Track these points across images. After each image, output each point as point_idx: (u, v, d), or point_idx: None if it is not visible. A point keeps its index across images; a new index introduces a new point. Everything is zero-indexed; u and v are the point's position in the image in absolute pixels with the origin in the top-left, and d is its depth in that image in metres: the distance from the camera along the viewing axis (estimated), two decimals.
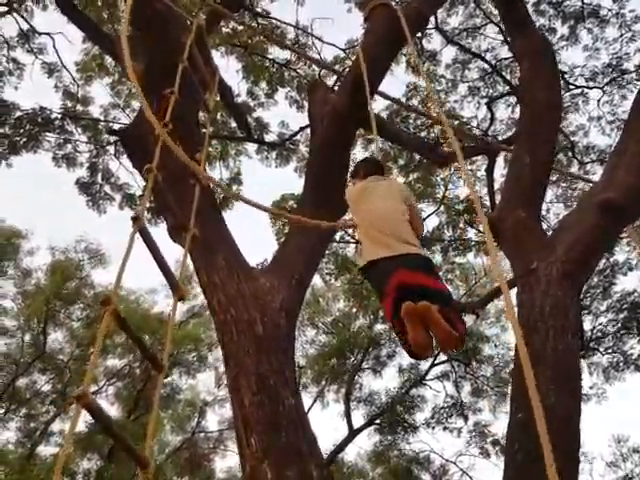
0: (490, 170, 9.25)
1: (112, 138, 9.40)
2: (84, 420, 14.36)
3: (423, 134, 9.70)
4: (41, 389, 14.42)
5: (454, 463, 11.88)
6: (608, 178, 4.53)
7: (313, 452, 3.86)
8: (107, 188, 9.56)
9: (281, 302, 4.52)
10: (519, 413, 3.81)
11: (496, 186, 10.40)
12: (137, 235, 2.55)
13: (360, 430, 12.23)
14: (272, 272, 4.81)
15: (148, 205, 9.45)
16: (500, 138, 10.62)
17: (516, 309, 4.43)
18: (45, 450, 14.27)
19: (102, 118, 9.45)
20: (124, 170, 9.58)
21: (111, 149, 9.38)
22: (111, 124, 9.32)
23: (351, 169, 3.93)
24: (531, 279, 4.24)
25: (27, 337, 14.02)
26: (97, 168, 9.48)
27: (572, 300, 4.14)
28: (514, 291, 4.75)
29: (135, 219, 2.80)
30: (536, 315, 4.03)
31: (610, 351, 12.27)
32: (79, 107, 9.92)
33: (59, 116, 9.11)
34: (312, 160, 5.60)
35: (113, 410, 14.63)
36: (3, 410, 14.15)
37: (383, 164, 3.79)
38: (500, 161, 10.58)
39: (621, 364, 12.13)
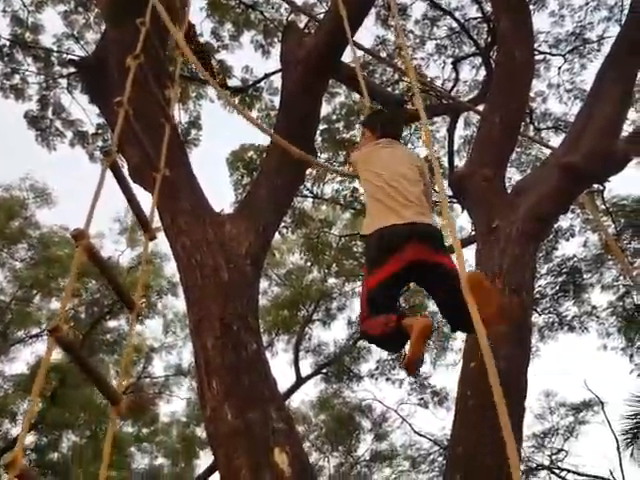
0: (451, 130, 9.33)
1: (65, 71, 8.93)
2: (26, 362, 14.13)
3: (389, 89, 9.63)
4: None
5: (395, 411, 12.36)
6: (572, 142, 4.66)
7: (273, 395, 3.93)
8: (58, 124, 9.13)
9: (247, 249, 4.49)
10: (471, 362, 3.98)
11: (455, 147, 10.59)
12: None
13: (307, 378, 12.50)
14: (238, 218, 4.75)
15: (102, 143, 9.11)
16: (463, 99, 10.68)
17: (474, 265, 4.56)
18: None
19: (55, 48, 8.92)
20: (77, 106, 9.15)
21: (64, 82, 8.91)
22: (65, 55, 8.82)
23: (367, 116, 3.65)
24: (491, 237, 4.36)
25: None
26: (48, 102, 9.02)
27: (529, 259, 4.30)
28: (474, 247, 4.89)
29: (106, 153, 2.69)
30: (494, 272, 4.16)
31: (547, 312, 12.85)
32: (29, 35, 9.33)
33: (7, 43, 8.56)
34: (284, 107, 5.49)
35: (55, 353, 14.40)
36: None
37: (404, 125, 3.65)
38: (461, 122, 10.71)
39: (556, 324, 12.74)
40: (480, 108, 7.73)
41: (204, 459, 14.68)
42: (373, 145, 3.20)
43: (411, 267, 2.71)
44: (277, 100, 9.87)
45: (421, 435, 11.68)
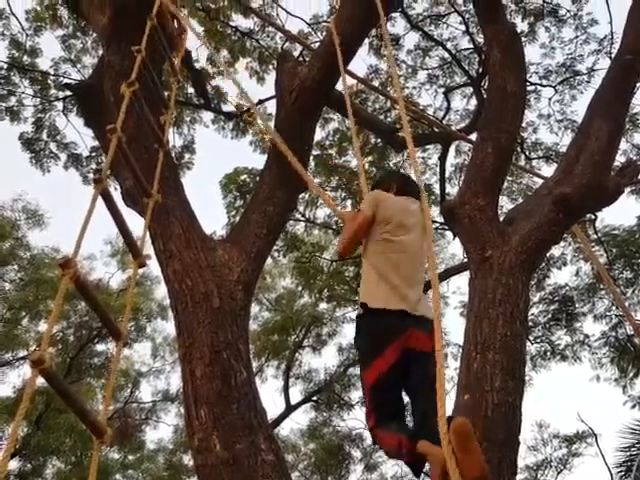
0: (443, 158, 9.41)
1: (61, 94, 8.97)
2: (12, 386, 13.89)
3: (381, 117, 9.74)
4: None
5: None
6: (564, 172, 4.68)
7: (262, 424, 3.87)
8: (52, 146, 9.14)
9: (239, 275, 4.46)
10: (465, 395, 3.93)
11: (447, 174, 10.65)
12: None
13: (297, 406, 12.33)
14: (230, 243, 4.73)
15: (95, 166, 9.10)
16: (454, 128, 10.79)
17: (468, 295, 4.54)
18: None
19: (52, 72, 8.98)
20: (71, 129, 9.18)
21: (59, 105, 8.94)
22: (61, 79, 8.87)
23: (380, 178, 3.48)
24: (485, 266, 4.35)
25: None
26: (43, 124, 9.04)
27: (523, 289, 4.29)
28: (466, 276, 4.88)
29: (97, 181, 2.67)
30: (488, 302, 4.14)
31: (539, 340, 12.80)
32: (26, 58, 9.39)
33: (5, 66, 8.61)
34: (277, 132, 5.51)
35: (41, 377, 14.14)
36: None
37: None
38: (452, 151, 10.80)
39: (548, 353, 12.69)
40: (472, 137, 7.83)
41: None
42: (402, 200, 2.92)
43: (408, 355, 2.49)
44: (271, 125, 9.94)
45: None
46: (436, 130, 9.64)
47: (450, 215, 4.70)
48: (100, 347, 14.08)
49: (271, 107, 10.32)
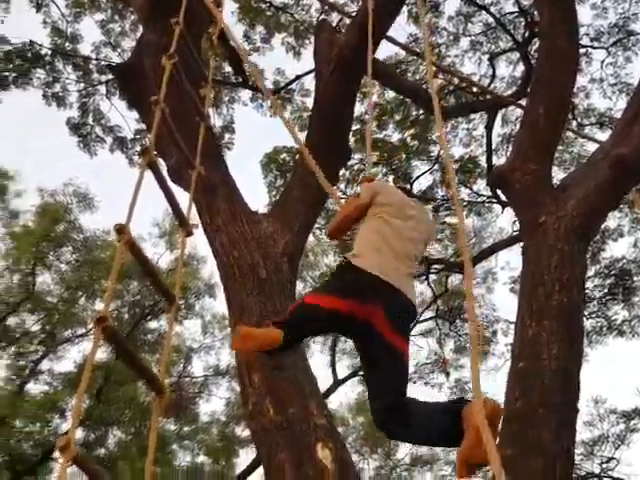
0: (489, 127, 9.17)
1: (103, 78, 9.15)
2: (73, 361, 14.49)
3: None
4: (30, 329, 14.44)
5: None
6: (621, 134, 4.49)
7: (313, 390, 3.92)
8: (98, 130, 9.35)
9: (283, 247, 4.50)
10: (519, 363, 3.88)
11: (493, 145, 10.37)
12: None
13: (344, 380, 12.40)
14: (274, 217, 4.77)
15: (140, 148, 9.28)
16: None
17: (521, 263, 4.43)
18: (34, 388, 14.43)
19: (93, 56, 9.15)
20: (115, 112, 9.37)
21: (102, 89, 9.12)
22: (102, 62, 9.03)
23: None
24: (538, 233, 4.24)
25: (16, 278, 13.94)
26: (88, 108, 9.24)
27: (579, 256, 4.17)
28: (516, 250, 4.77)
29: (144, 151, 2.71)
30: (542, 269, 4.05)
31: (594, 316, 12.42)
32: (68, 45, 9.59)
33: (49, 52, 8.82)
34: (317, 107, 5.48)
35: (100, 352, 14.71)
36: None
37: None
38: (498, 120, 10.50)
39: (604, 329, 12.31)
40: (521, 103, 7.58)
41: (244, 458, 14.81)
42: (404, 196, 2.93)
43: (356, 322, 2.39)
44: (309, 101, 9.89)
45: None
46: (481, 98, 9.39)
47: (501, 181, 4.59)
48: (153, 324, 14.50)
49: (309, 83, 10.28)
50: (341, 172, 6.60)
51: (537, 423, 3.56)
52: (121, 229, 2.21)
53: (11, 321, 14.22)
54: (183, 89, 4.34)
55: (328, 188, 3.50)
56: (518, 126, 10.56)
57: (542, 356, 3.73)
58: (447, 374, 12.41)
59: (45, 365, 14.56)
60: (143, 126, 9.31)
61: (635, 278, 11.68)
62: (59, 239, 13.22)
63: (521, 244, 11.18)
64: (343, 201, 3.73)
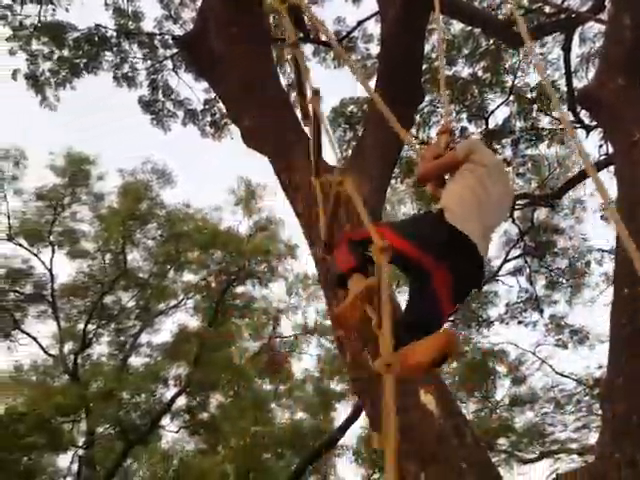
0: (567, 49, 8.60)
1: (169, 52, 9.26)
2: (170, 331, 15.23)
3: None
4: (126, 305, 15.23)
5: (533, 353, 11.99)
6: None
7: None
8: (169, 105, 9.53)
9: (364, 198, 4.44)
10: (624, 289, 3.70)
11: (572, 67, 9.74)
12: None
13: None
14: (352, 169, 4.71)
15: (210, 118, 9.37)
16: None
17: (616, 185, 4.20)
18: (135, 361, 15.32)
19: (157, 32, 9.26)
20: (183, 85, 9.49)
21: (169, 64, 9.25)
22: (166, 37, 9.13)
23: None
24: (634, 152, 3.98)
25: (107, 258, 14.68)
26: (157, 85, 9.42)
27: None
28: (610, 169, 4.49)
29: (293, 44, 2.79)
30: (639, 190, 3.81)
31: None
32: (131, 24, 9.74)
33: (114, 34, 9.00)
34: (385, 49, 5.31)
35: (194, 321, 15.36)
36: (95, 326, 15.11)
37: None
38: (575, 40, 9.82)
39: None
40: (600, 17, 7.01)
41: (341, 411, 15.19)
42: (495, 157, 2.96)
43: (420, 268, 2.44)
44: (372, 48, 9.62)
45: (564, 376, 11.25)
46: (554, 19, 8.79)
47: (588, 101, 4.32)
48: (240, 289, 14.94)
49: (372, 28, 9.98)
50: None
51: None
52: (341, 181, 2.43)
53: (108, 299, 15.05)
54: (254, 50, 4.30)
55: (403, 134, 3.38)
56: (600, 42, 9.91)
57: None
58: (541, 311, 12.11)
59: (144, 338, 15.41)
60: (212, 95, 9.43)
61: None
62: (144, 216, 13.77)
63: (611, 167, 10.58)
64: (421, 148, 3.64)
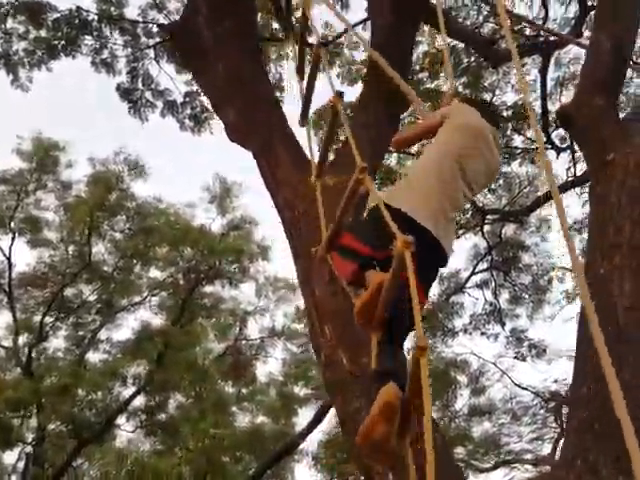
0: (544, 71, 8.82)
1: (151, 41, 9.16)
2: (131, 329, 14.92)
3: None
4: (87, 299, 14.88)
5: (494, 364, 12.20)
6: None
7: None
8: (148, 94, 9.41)
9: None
10: (592, 301, 3.80)
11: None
12: None
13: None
14: (336, 168, 4.71)
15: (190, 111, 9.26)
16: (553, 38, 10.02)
17: (589, 204, 4.31)
18: (93, 357, 14.97)
19: (140, 20, 9.14)
20: (164, 76, 9.38)
21: (151, 53, 9.14)
22: (150, 25, 9.03)
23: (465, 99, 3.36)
24: (607, 170, 4.09)
25: (71, 249, 14.33)
26: (137, 73, 9.29)
27: None
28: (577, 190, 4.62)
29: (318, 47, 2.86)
30: (611, 207, 3.92)
31: None
32: (114, 9, 9.59)
33: (96, 18, 8.85)
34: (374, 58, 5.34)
35: (157, 319, 15.11)
36: (53, 318, 14.72)
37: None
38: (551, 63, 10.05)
39: None
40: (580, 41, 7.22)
41: (303, 416, 15.13)
42: (485, 123, 2.71)
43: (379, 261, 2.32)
44: (357, 55, 9.70)
45: (522, 388, 11.47)
46: (532, 41, 9.02)
47: (567, 119, 4.43)
48: (209, 289, 14.78)
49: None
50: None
51: (615, 361, 3.49)
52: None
53: (68, 292, 14.65)
54: (241, 47, 4.30)
55: (411, 96, 3.27)
56: (574, 67, 10.20)
57: (614, 293, 3.65)
58: (503, 324, 12.35)
59: (103, 334, 15.04)
60: (193, 88, 9.36)
61: None
62: (112, 208, 13.51)
63: (578, 188, 10.83)
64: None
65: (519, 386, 11.54)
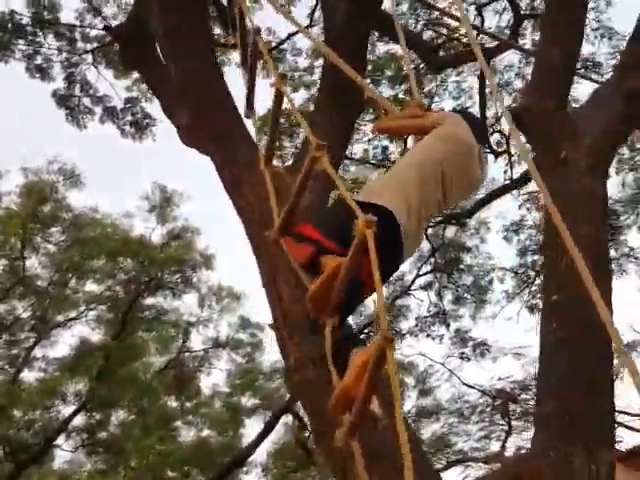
0: (483, 78, 9.12)
1: (89, 46, 8.86)
2: (69, 345, 14.29)
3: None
4: (21, 315, 14.18)
5: (442, 364, 12.43)
6: (634, 63, 4.50)
7: None
8: (86, 101, 9.09)
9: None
10: (552, 296, 3.93)
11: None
12: None
13: None
14: (296, 171, 4.68)
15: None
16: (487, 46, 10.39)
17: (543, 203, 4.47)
18: (28, 375, 14.26)
19: (77, 24, 8.83)
20: (103, 82, 9.09)
21: (89, 58, 8.83)
22: (87, 30, 8.73)
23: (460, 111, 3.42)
24: (559, 169, 4.25)
25: (2, 263, 13.62)
26: (74, 79, 8.96)
27: (600, 189, 4.22)
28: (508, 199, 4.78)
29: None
30: (565, 203, 4.07)
31: None
32: (47, 14, 9.21)
33: (30, 22, 8.48)
34: (328, 61, 5.35)
35: (94, 334, 14.55)
36: None
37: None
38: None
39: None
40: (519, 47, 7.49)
41: (251, 427, 14.93)
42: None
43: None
44: (300, 61, 9.73)
45: (470, 387, 11.73)
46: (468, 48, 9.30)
47: (518, 120, 4.58)
48: (150, 301, 14.36)
49: (301, 42, 10.11)
50: None
51: (578, 356, 3.63)
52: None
53: (1, 308, 13.96)
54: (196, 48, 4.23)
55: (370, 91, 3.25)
56: (508, 75, 10.61)
57: (577, 287, 3.78)
58: (447, 325, 12.62)
59: (39, 352, 14.38)
60: (134, 94, 9.10)
61: (622, 217, 11.92)
62: (47, 219, 12.93)
63: (517, 190, 11.18)
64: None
65: (467, 385, 11.80)
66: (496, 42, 10.14)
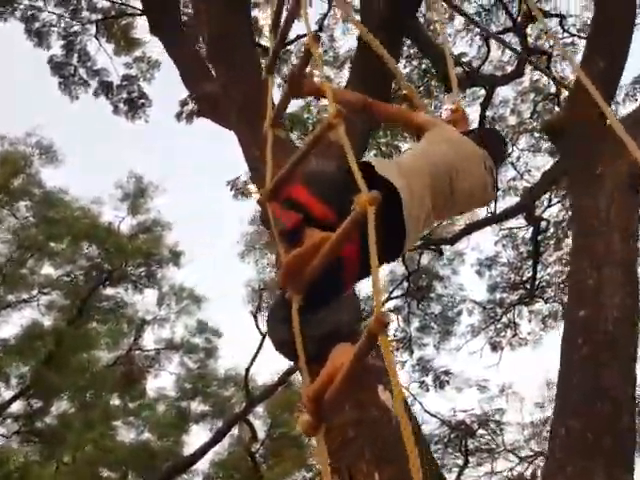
0: (485, 104, 9.22)
1: (94, 17, 8.56)
2: (20, 326, 13.53)
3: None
4: None
5: (406, 389, 12.26)
6: None
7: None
8: (82, 72, 8.74)
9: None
10: (579, 311, 3.87)
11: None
12: None
13: None
14: (320, 154, 4.53)
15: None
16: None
17: (572, 217, 4.44)
18: None
19: None
20: (103, 55, 8.79)
21: (92, 29, 8.52)
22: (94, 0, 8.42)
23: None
24: (595, 184, 4.23)
25: None
26: (73, 47, 8.61)
27: (636, 208, 4.21)
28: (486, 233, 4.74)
29: None
30: (601, 219, 4.05)
31: (551, 301, 12.87)
32: None
33: None
34: (360, 52, 5.27)
35: (47, 320, 13.85)
36: None
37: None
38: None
39: (559, 313, 12.75)
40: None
41: (196, 435, 14.39)
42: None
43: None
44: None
45: (432, 415, 11.60)
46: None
47: (554, 132, 4.57)
48: (110, 291, 13.80)
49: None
50: None
51: (602, 372, 3.56)
52: None
53: None
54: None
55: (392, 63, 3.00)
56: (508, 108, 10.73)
57: (605, 303, 3.74)
58: (411, 351, 12.54)
59: None
60: (132, 72, 8.83)
61: None
62: (16, 192, 12.31)
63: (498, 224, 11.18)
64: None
65: (428, 413, 11.67)
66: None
